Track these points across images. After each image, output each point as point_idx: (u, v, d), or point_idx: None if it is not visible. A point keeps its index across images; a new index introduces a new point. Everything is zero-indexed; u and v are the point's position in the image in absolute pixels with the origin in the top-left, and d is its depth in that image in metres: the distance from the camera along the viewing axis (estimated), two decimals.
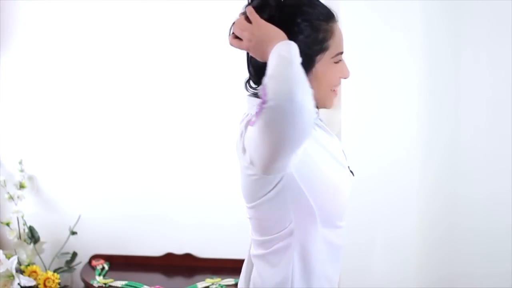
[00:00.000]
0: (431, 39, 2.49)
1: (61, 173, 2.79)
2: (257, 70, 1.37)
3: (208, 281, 2.59)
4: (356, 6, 2.36)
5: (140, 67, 2.70)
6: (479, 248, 2.56)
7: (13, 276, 2.54)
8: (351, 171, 1.47)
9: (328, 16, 1.37)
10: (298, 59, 1.18)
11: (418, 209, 2.60)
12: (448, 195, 2.60)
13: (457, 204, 2.60)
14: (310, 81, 1.25)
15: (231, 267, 2.69)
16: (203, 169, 2.72)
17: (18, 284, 2.54)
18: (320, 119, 1.46)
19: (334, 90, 1.42)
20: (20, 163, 2.75)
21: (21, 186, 2.73)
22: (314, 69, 1.36)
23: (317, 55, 1.35)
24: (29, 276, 2.58)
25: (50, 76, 2.74)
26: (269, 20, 1.30)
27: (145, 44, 2.68)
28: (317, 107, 1.41)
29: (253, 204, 1.41)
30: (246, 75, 2.82)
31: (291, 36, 1.27)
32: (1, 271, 2.52)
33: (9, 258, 2.56)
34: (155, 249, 2.79)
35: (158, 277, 2.68)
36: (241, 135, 1.37)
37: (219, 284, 2.56)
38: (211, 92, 2.67)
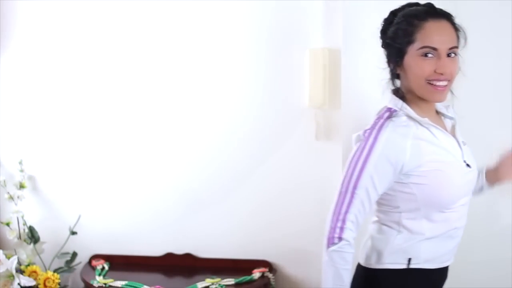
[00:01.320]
0: None
1: (61, 173, 2.79)
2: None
3: (208, 281, 2.58)
4: (356, 6, 2.36)
5: (140, 68, 2.70)
6: (479, 236, 2.56)
7: (13, 276, 2.53)
8: (467, 164, 1.66)
9: (423, 14, 1.58)
10: None
11: None
12: None
13: None
14: (403, 71, 1.61)
15: (231, 267, 2.69)
16: (203, 169, 2.72)
17: (18, 284, 2.54)
18: (429, 121, 1.62)
19: (432, 84, 1.57)
20: (20, 163, 2.75)
21: (21, 186, 2.73)
22: (405, 60, 1.60)
23: (406, 46, 1.58)
24: (29, 276, 2.58)
25: (49, 76, 2.74)
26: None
27: (145, 44, 2.68)
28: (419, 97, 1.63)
29: None
30: (241, 76, 2.81)
31: (390, 26, 1.62)
32: (1, 271, 2.52)
33: (9, 258, 2.56)
34: (155, 249, 2.78)
35: (158, 277, 2.68)
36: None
37: (219, 284, 2.56)
38: (210, 93, 2.67)
